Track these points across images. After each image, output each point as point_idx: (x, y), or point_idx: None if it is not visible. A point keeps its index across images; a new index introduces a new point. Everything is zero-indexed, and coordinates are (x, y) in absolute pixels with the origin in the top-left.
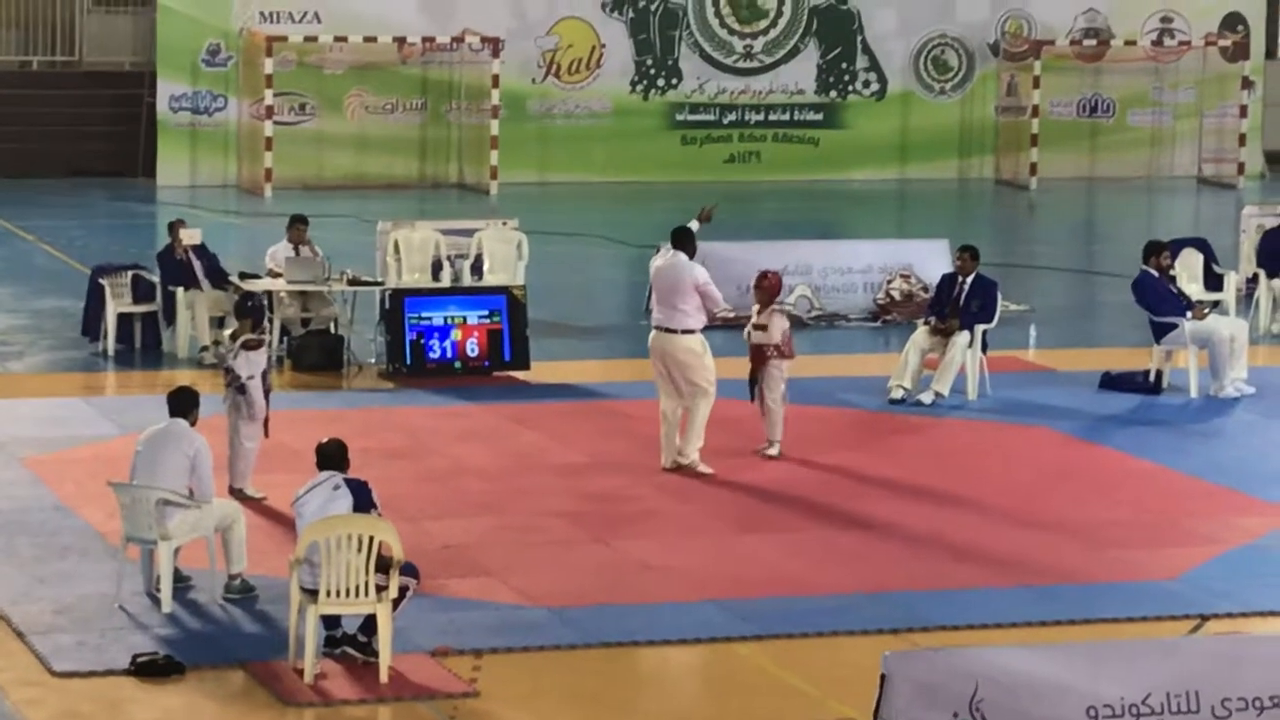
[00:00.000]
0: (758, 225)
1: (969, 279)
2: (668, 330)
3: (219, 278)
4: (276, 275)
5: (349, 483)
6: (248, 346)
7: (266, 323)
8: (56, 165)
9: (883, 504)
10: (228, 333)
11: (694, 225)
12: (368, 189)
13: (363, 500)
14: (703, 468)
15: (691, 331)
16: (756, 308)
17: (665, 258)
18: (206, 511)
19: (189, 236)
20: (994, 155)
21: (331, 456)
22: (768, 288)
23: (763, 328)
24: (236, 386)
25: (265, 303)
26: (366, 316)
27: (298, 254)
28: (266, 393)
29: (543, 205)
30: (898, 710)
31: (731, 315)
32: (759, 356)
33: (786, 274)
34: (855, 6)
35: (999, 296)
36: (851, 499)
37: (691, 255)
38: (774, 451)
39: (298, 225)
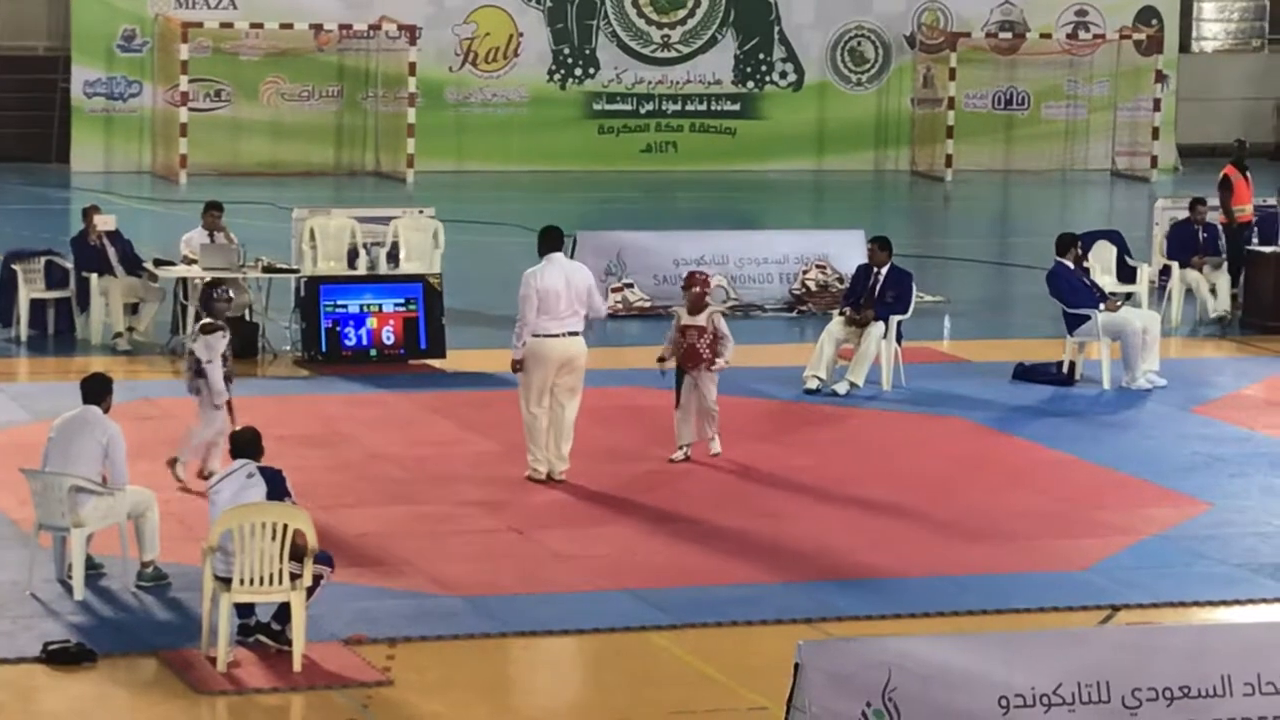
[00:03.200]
0: (674, 215)
1: (884, 270)
2: (573, 334)
3: (133, 264)
4: (191, 262)
5: (263, 471)
6: (206, 330)
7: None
8: None
9: (797, 494)
10: (200, 323)
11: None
12: (283, 176)
13: (277, 488)
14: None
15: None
16: (685, 309)
17: (555, 264)
18: (119, 499)
19: (103, 222)
20: (910, 147)
21: (246, 444)
22: (699, 290)
23: (699, 329)
24: (195, 370)
25: (229, 290)
26: (282, 304)
27: (213, 240)
28: (228, 378)
29: (459, 193)
30: (811, 699)
31: (648, 306)
32: (693, 358)
33: (702, 264)
34: None
35: (914, 287)
36: (766, 489)
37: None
38: (717, 448)
39: (212, 212)
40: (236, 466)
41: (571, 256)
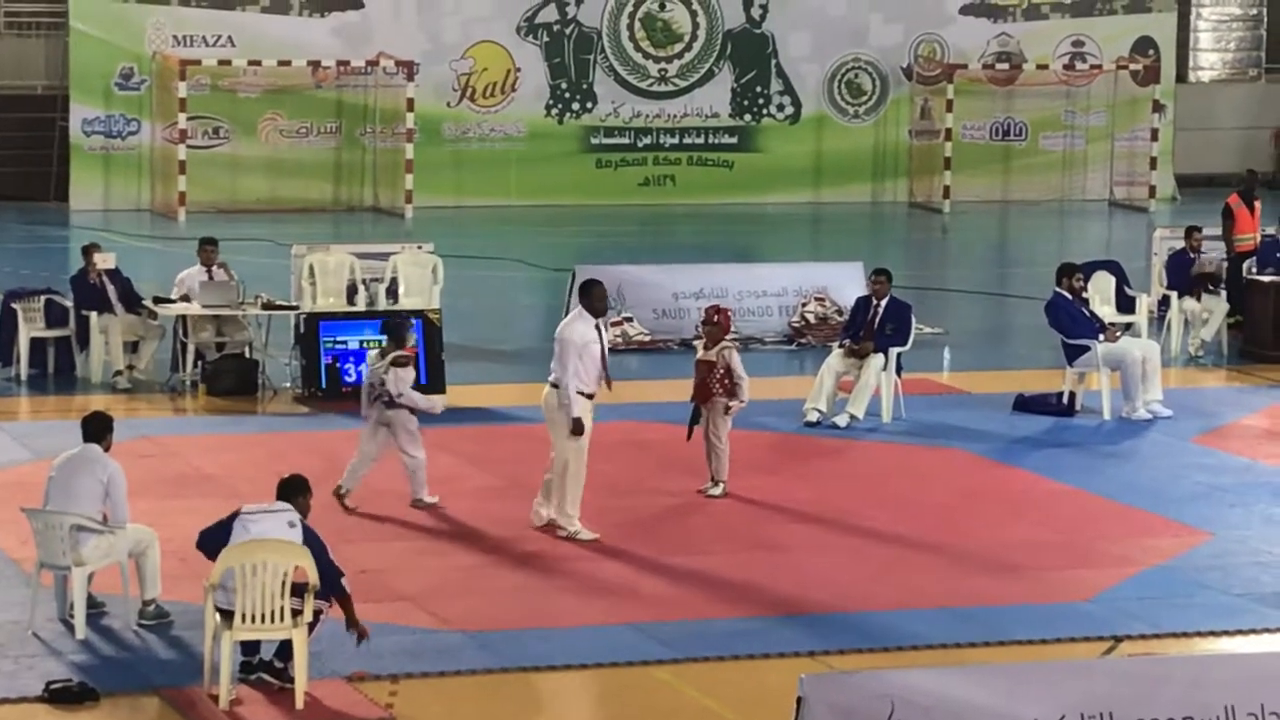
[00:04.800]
0: (673, 248)
1: (883, 302)
2: (553, 385)
3: (132, 302)
4: (185, 299)
5: (308, 531)
6: (397, 364)
7: (411, 337)
8: None
9: (798, 526)
10: (374, 351)
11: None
12: (282, 213)
13: (319, 554)
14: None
15: (556, 386)
16: (703, 343)
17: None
18: (120, 537)
19: (103, 261)
20: (908, 178)
21: (292, 491)
22: (720, 324)
23: (709, 364)
24: (384, 402)
25: (410, 319)
26: (281, 340)
27: (210, 276)
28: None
29: (458, 229)
30: None
31: (648, 339)
32: (703, 393)
33: (701, 297)
34: (769, 30)
35: (913, 319)
36: (767, 522)
37: (594, 311)
38: (718, 491)
39: (206, 247)
40: (280, 508)
41: (570, 292)
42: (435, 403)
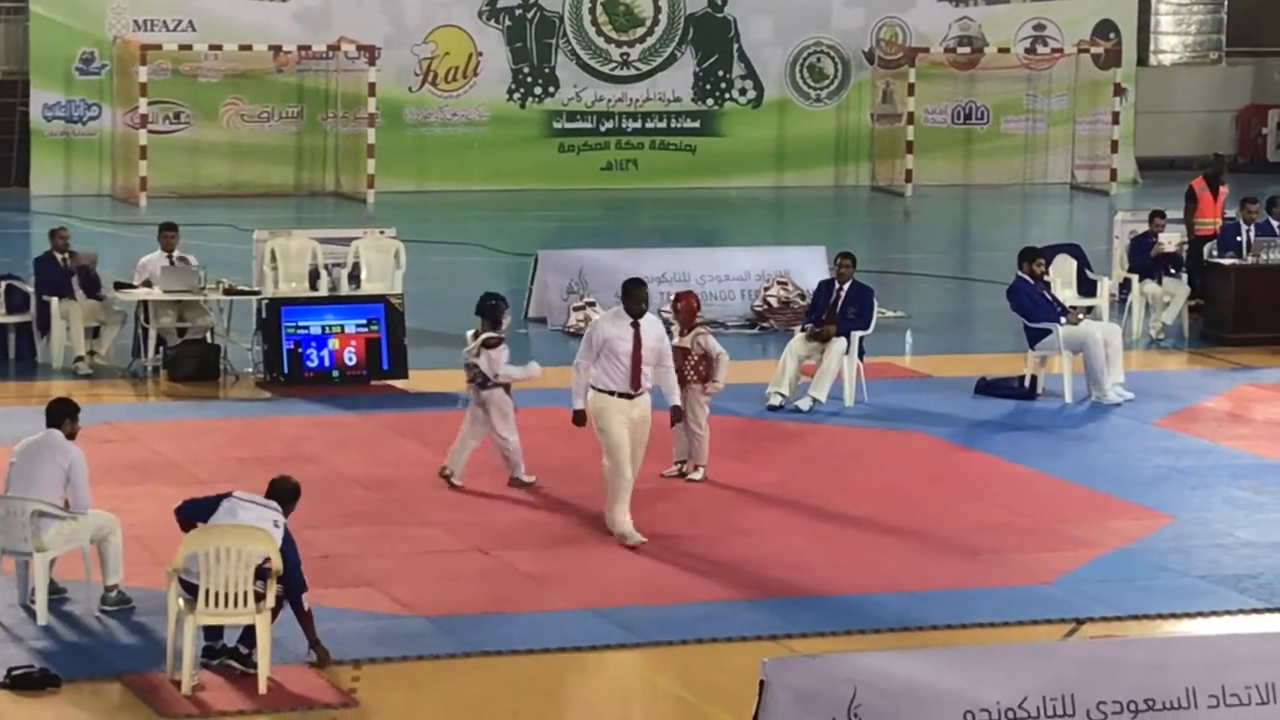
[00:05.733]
0: (635, 233)
1: (846, 286)
2: None
3: (93, 287)
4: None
5: (288, 536)
6: (488, 345)
7: (505, 318)
8: None
9: (760, 511)
10: (470, 332)
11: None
12: (244, 198)
13: (288, 550)
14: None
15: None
16: (677, 329)
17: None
18: (82, 523)
19: (86, 258)
20: (870, 162)
21: (284, 494)
22: (684, 310)
23: (684, 351)
24: (478, 384)
25: (505, 300)
26: (243, 326)
27: (171, 262)
28: (506, 388)
29: (420, 214)
30: (777, 716)
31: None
32: (679, 379)
33: (664, 281)
34: (731, 14)
35: (875, 303)
36: (729, 506)
37: (630, 311)
38: (698, 476)
39: (167, 233)
40: (270, 505)
41: (533, 276)
42: (533, 369)
